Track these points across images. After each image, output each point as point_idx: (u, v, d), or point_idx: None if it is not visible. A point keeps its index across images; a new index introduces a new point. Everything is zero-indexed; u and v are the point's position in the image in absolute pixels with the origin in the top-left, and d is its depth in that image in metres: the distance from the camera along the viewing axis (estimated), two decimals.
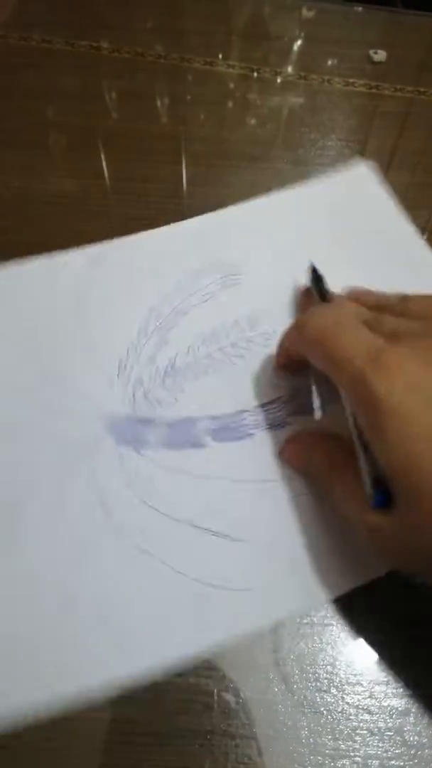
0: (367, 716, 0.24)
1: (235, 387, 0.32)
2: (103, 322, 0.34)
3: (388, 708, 0.25)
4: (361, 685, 0.25)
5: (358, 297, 0.31)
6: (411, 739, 0.24)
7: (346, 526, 0.27)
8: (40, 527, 0.28)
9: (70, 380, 0.32)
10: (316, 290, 0.33)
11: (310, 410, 0.29)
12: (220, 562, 0.27)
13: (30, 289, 0.35)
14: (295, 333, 0.29)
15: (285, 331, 0.31)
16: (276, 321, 0.34)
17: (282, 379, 0.32)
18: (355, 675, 0.25)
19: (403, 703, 0.25)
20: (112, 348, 0.33)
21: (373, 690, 0.25)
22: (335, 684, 0.25)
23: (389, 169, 0.43)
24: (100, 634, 0.25)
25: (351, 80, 0.48)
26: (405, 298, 0.29)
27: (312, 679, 0.25)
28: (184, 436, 0.30)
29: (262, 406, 0.31)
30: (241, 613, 0.26)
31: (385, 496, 0.23)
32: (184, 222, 0.39)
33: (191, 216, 0.40)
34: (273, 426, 0.31)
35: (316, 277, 0.34)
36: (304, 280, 0.35)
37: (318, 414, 0.29)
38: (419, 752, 0.24)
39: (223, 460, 0.30)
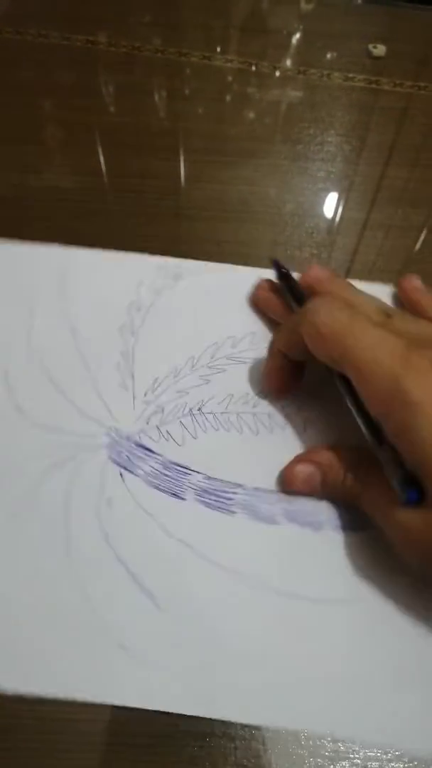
0: None
1: (245, 457, 0.30)
2: (158, 334, 0.33)
3: None
4: None
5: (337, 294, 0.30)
6: None
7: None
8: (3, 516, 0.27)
9: (100, 378, 0.31)
10: (286, 288, 0.33)
11: (304, 519, 0.28)
12: (136, 624, 0.25)
13: (114, 279, 0.35)
14: (303, 330, 0.27)
15: (280, 330, 0.30)
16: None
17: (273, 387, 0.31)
18: None
19: None
20: (151, 364, 0.32)
21: None
22: None
23: (388, 165, 0.43)
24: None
25: (350, 75, 0.48)
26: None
27: None
28: (171, 482, 0.29)
29: (260, 490, 0.29)
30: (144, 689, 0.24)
31: (417, 491, 0.23)
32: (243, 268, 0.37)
33: (187, 213, 0.40)
34: (259, 516, 0.28)
35: (283, 275, 0.33)
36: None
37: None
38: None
39: (193, 524, 0.28)
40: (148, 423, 0.30)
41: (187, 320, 0.34)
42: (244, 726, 0.24)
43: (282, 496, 0.29)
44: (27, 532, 0.27)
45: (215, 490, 0.29)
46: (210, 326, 0.34)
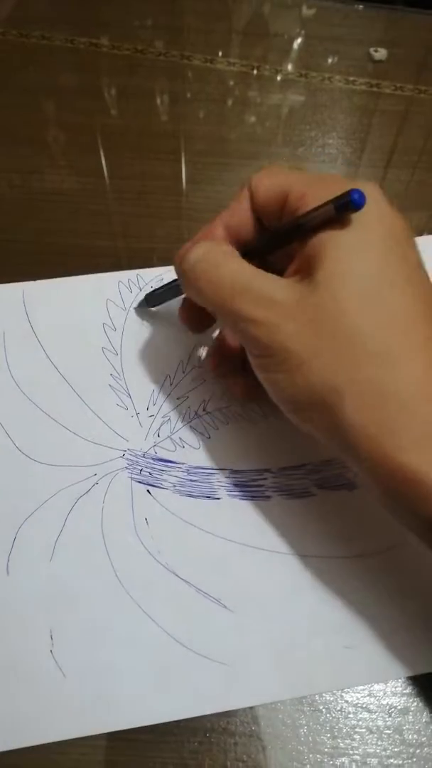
0: (366, 714, 0.24)
1: (263, 442, 0.30)
2: (141, 348, 0.33)
3: (387, 706, 0.25)
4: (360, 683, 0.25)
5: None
6: (410, 737, 0.24)
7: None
8: (36, 554, 0.27)
9: (97, 403, 0.31)
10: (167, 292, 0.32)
11: (336, 482, 0.29)
12: (207, 630, 0.25)
13: (80, 303, 0.34)
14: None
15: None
16: None
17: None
18: None
19: (402, 701, 0.25)
20: (144, 378, 0.32)
21: (372, 688, 0.25)
22: None
23: (389, 168, 0.43)
24: (80, 683, 0.24)
25: (351, 78, 0.48)
26: None
27: None
28: (200, 486, 0.29)
29: (287, 469, 0.29)
30: (214, 687, 0.24)
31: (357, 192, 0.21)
32: None
33: (190, 215, 0.40)
34: (293, 493, 0.29)
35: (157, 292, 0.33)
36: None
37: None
38: (418, 751, 0.24)
39: (233, 519, 0.28)
40: (159, 435, 0.30)
41: (164, 328, 0.34)
42: (244, 722, 0.24)
43: (309, 467, 0.29)
44: (72, 568, 0.27)
45: (245, 481, 0.29)
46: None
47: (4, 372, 0.32)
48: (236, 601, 0.26)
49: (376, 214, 0.22)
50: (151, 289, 0.33)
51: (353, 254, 0.22)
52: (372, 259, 0.22)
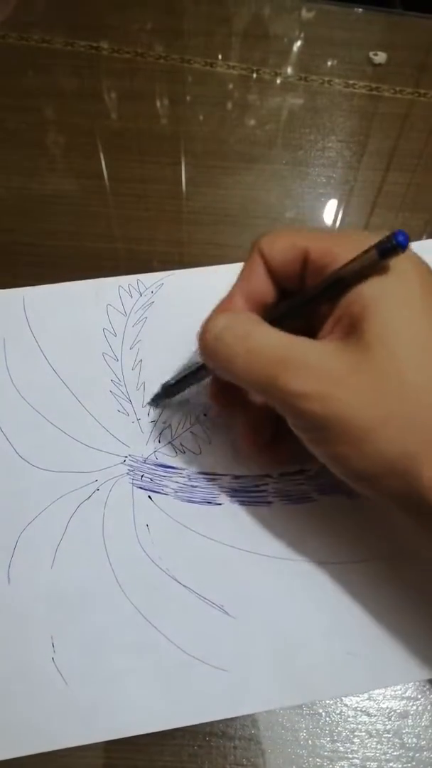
0: (365, 718, 0.25)
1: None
2: (140, 353, 0.33)
3: (387, 710, 0.25)
4: None
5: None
6: (409, 741, 0.24)
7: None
8: (37, 560, 0.27)
9: (97, 408, 0.31)
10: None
11: (337, 488, 0.28)
12: (208, 636, 0.25)
13: (80, 309, 0.34)
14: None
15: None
16: None
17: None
18: None
19: (401, 705, 0.25)
20: (144, 383, 0.32)
21: (371, 692, 0.25)
22: None
23: (389, 171, 0.43)
24: (82, 690, 0.25)
25: (351, 81, 0.48)
26: None
27: None
28: (201, 492, 0.29)
29: (287, 475, 0.29)
30: (215, 694, 0.24)
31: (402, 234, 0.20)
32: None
33: (189, 218, 0.40)
34: (294, 498, 0.29)
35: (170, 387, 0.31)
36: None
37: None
38: (417, 755, 0.24)
39: (235, 525, 0.28)
40: (160, 441, 0.30)
41: (164, 332, 0.33)
42: (243, 725, 0.24)
43: (310, 473, 0.29)
44: (73, 574, 0.27)
45: (246, 487, 0.29)
46: (187, 333, 0.33)
47: (4, 378, 0.32)
48: (237, 607, 0.26)
49: (407, 260, 0.21)
50: (167, 381, 0.31)
51: (399, 308, 0.21)
52: (418, 310, 0.21)
